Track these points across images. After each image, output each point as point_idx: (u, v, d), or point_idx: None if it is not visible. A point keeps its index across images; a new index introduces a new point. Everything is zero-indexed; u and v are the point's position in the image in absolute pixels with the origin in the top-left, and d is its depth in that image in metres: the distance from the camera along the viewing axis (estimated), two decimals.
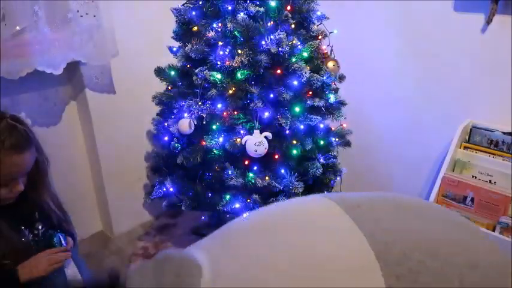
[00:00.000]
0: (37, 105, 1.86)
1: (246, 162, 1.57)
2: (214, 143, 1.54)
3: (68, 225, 1.28)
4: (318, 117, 1.59)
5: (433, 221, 0.54)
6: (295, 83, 1.52)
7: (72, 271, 1.23)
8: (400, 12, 1.79)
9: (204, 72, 1.51)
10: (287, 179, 1.54)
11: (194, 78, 1.58)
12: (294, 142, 1.57)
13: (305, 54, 1.58)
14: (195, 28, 1.59)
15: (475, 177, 1.62)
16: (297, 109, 1.55)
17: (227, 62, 1.49)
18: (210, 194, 1.66)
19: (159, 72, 1.73)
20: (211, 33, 1.53)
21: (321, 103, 1.62)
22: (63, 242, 1.15)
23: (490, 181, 1.59)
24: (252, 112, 1.52)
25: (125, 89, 2.05)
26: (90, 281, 1.22)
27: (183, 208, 1.72)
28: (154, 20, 2.04)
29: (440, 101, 1.82)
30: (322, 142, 1.71)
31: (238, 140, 1.50)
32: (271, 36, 1.46)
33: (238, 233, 0.55)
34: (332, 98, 1.67)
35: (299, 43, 1.56)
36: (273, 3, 1.50)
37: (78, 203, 2.16)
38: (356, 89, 1.94)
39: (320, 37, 1.69)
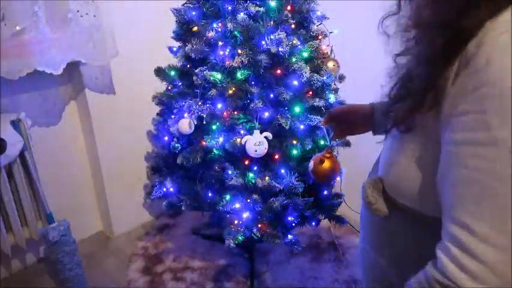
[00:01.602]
0: (37, 105, 1.87)
1: (246, 162, 1.57)
2: (214, 143, 1.54)
3: None
4: (318, 117, 1.59)
5: None
6: (295, 83, 1.52)
7: None
8: None
9: (204, 72, 1.51)
10: (287, 179, 1.54)
11: (194, 78, 1.57)
12: (294, 142, 1.57)
13: (305, 54, 1.58)
14: (195, 28, 1.59)
15: None
16: (297, 109, 1.55)
17: (227, 62, 1.49)
18: (210, 194, 1.66)
19: (159, 72, 1.73)
20: (211, 33, 1.53)
21: (321, 103, 1.62)
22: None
23: None
24: (252, 112, 1.52)
25: (125, 89, 2.05)
26: None
27: (183, 208, 1.72)
28: (154, 20, 2.04)
29: None
30: (322, 142, 1.71)
31: (238, 140, 1.50)
32: (271, 36, 1.46)
33: None
34: (332, 98, 1.67)
35: (299, 43, 1.56)
36: (273, 3, 1.51)
37: (78, 203, 2.16)
38: (356, 89, 1.94)
39: (320, 37, 1.69)
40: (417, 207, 0.62)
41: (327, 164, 0.96)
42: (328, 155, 0.98)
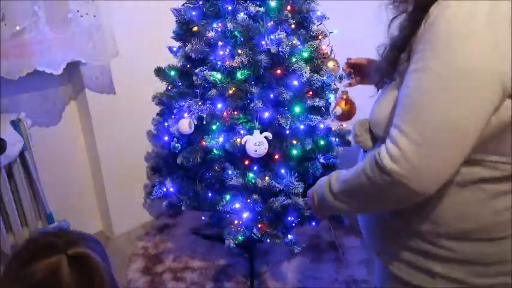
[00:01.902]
0: (37, 105, 1.87)
1: (246, 162, 1.57)
2: (214, 143, 1.54)
3: None
4: (318, 117, 1.59)
5: None
6: (295, 83, 1.52)
7: None
8: None
9: (204, 72, 1.51)
10: (287, 179, 1.54)
11: (194, 78, 1.57)
12: (294, 142, 1.57)
13: (305, 54, 1.58)
14: (195, 28, 1.59)
15: None
16: (297, 109, 1.55)
17: (227, 62, 1.49)
18: (210, 194, 1.66)
19: (159, 72, 1.73)
20: (211, 33, 1.53)
21: (321, 103, 1.62)
22: None
23: None
24: (252, 112, 1.52)
25: (124, 89, 2.05)
26: None
27: (183, 208, 1.72)
28: (154, 20, 2.04)
29: None
30: (322, 142, 1.71)
31: (238, 140, 1.50)
32: (271, 36, 1.46)
33: None
34: (332, 98, 1.67)
35: (299, 43, 1.56)
36: (273, 3, 1.51)
37: (78, 203, 2.16)
38: (356, 89, 1.94)
39: (320, 37, 1.69)
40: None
41: (347, 104, 1.23)
42: (345, 96, 1.23)
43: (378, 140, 0.81)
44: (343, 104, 1.23)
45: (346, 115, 1.24)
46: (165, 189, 1.77)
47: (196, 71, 1.55)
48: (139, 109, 2.10)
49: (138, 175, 2.30)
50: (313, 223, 1.75)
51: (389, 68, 0.75)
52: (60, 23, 1.71)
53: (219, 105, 1.53)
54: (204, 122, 1.56)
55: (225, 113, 1.55)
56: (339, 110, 1.23)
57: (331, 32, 1.71)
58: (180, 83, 1.71)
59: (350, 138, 0.81)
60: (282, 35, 1.46)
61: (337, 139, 1.77)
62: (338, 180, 0.80)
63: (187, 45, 1.57)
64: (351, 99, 1.25)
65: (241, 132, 1.53)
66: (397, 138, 0.64)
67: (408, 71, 0.66)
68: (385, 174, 0.65)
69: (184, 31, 1.65)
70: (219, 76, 1.51)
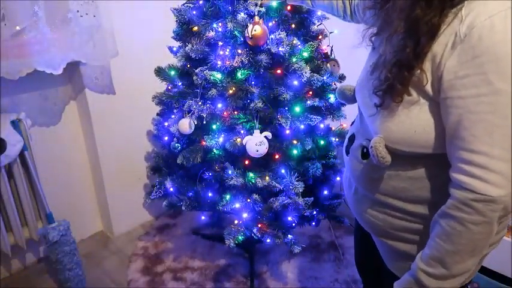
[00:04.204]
0: (37, 105, 1.87)
1: (246, 162, 1.57)
2: (214, 142, 1.54)
3: None
4: (318, 117, 1.58)
5: None
6: (296, 82, 1.52)
7: None
8: None
9: (204, 72, 1.51)
10: (287, 179, 1.54)
11: (194, 78, 1.58)
12: (294, 142, 1.57)
13: (305, 54, 1.58)
14: (195, 28, 1.59)
15: None
16: (297, 109, 1.55)
17: (227, 62, 1.49)
18: (210, 194, 1.66)
19: (159, 72, 1.73)
20: (211, 33, 1.53)
21: (321, 103, 1.62)
22: None
23: None
24: (252, 112, 1.52)
25: (124, 89, 2.05)
26: None
27: (183, 208, 1.72)
28: (154, 20, 2.04)
29: None
30: (322, 142, 1.71)
31: (239, 139, 1.50)
32: (272, 36, 1.46)
33: None
34: (332, 98, 1.67)
35: (299, 43, 1.56)
36: (273, 3, 1.50)
37: (78, 203, 2.16)
38: None
39: (320, 37, 1.69)
40: (418, 149, 0.77)
41: (259, 31, 1.36)
42: (257, 21, 1.32)
43: (396, 154, 0.80)
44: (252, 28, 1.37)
45: (257, 38, 1.39)
46: (165, 189, 1.77)
47: (197, 70, 1.55)
48: (139, 109, 2.10)
49: (138, 175, 2.30)
50: (313, 223, 1.75)
51: (403, 88, 0.74)
52: (60, 23, 1.71)
53: (219, 105, 1.53)
54: (204, 122, 1.56)
55: (225, 113, 1.55)
56: (248, 32, 1.37)
57: (331, 32, 1.71)
58: (180, 83, 1.71)
59: (373, 157, 0.82)
60: (282, 34, 1.46)
61: (337, 139, 1.77)
62: (429, 266, 0.75)
63: (187, 45, 1.57)
64: (262, 25, 1.39)
65: (241, 132, 1.53)
66: (492, 165, 0.67)
67: (461, 95, 0.67)
68: (492, 203, 0.67)
69: (184, 31, 1.65)
70: (219, 76, 1.51)
